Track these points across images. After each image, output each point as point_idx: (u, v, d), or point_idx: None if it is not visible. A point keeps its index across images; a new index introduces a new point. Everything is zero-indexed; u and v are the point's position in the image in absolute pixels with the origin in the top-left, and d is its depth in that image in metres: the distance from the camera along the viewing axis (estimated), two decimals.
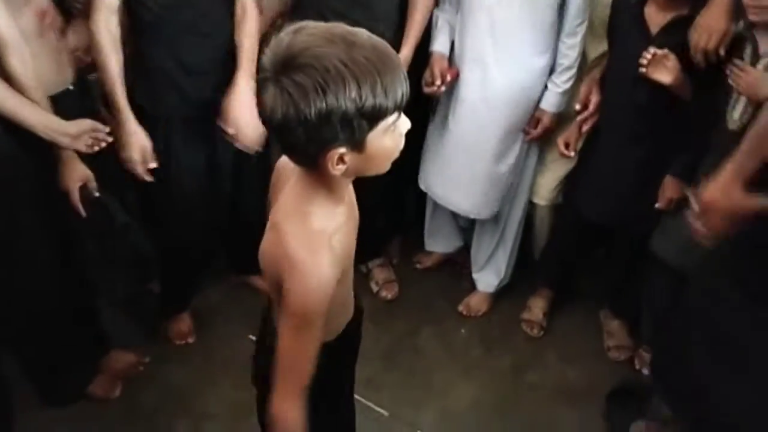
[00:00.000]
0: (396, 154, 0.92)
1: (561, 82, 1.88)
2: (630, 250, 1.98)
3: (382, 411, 1.88)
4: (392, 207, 2.32)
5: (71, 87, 1.64)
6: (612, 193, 1.86)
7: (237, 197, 1.94)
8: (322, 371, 1.09)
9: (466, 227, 2.34)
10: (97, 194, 1.60)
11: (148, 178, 1.67)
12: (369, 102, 0.80)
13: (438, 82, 1.87)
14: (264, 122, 0.85)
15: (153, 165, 1.65)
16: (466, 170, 2.00)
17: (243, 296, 2.21)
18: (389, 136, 0.88)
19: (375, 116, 0.83)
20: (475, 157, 1.97)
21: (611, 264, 2.12)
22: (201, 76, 1.69)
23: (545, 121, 1.93)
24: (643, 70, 1.60)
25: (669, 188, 1.73)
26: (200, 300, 2.20)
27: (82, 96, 1.69)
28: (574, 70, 1.88)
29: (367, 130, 0.84)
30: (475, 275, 2.30)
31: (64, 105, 1.57)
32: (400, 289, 2.33)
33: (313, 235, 0.93)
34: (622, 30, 1.75)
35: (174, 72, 1.66)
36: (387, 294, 2.31)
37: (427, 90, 1.91)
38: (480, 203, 2.05)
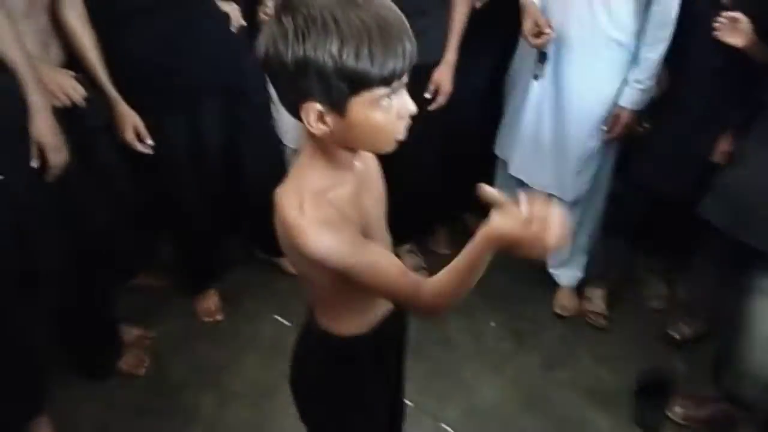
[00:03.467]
0: (392, 135, 0.85)
1: (645, 78, 1.79)
2: (689, 219, 1.89)
3: (406, 402, 1.84)
4: (434, 195, 2.22)
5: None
6: (682, 165, 1.82)
7: (238, 176, 1.96)
8: (357, 370, 1.05)
9: None
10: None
11: (147, 150, 1.72)
12: (349, 64, 0.76)
13: (548, 30, 1.76)
14: (271, 65, 0.81)
15: (149, 141, 1.71)
16: (557, 144, 1.93)
17: (271, 276, 2.20)
18: (380, 111, 0.81)
19: (356, 81, 0.78)
20: (570, 129, 1.90)
21: (665, 233, 2.08)
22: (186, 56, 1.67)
23: (624, 118, 1.84)
24: (717, 33, 1.60)
25: (724, 142, 1.74)
26: (229, 278, 2.21)
27: None
28: (658, 65, 1.78)
29: (346, 93, 0.79)
30: (554, 271, 2.21)
31: None
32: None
33: (303, 192, 0.86)
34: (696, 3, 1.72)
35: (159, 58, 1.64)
36: None
37: (536, 42, 1.80)
38: (567, 183, 1.98)
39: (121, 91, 1.66)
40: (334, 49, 0.75)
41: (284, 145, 2.16)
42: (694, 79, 1.77)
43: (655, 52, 1.76)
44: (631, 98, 1.83)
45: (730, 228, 1.56)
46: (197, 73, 1.66)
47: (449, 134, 2.06)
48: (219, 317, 2.11)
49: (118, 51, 1.61)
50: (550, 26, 1.78)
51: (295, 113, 0.83)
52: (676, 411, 1.83)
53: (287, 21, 0.76)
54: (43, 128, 1.42)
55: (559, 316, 2.19)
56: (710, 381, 1.71)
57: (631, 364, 2.00)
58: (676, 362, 2.01)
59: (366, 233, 0.93)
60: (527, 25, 1.81)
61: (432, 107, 1.94)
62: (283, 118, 2.08)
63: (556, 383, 1.97)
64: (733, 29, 1.58)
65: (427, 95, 1.92)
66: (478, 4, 1.87)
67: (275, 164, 2.09)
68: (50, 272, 1.55)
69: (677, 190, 1.86)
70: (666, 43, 1.75)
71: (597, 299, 2.18)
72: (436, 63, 1.92)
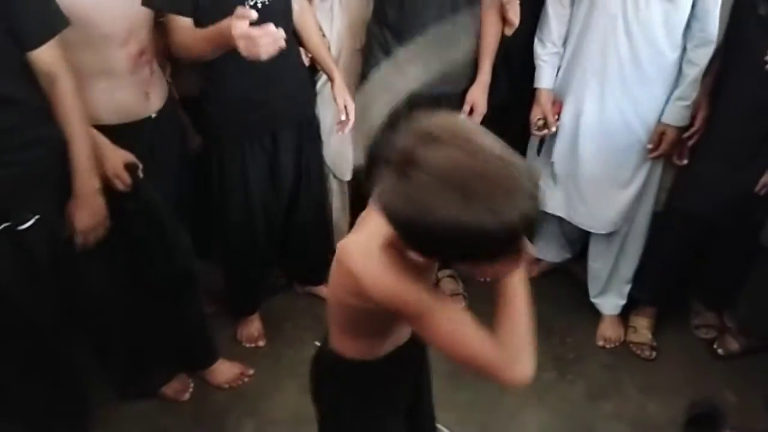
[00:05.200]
0: None
1: (687, 94, 1.79)
2: (738, 247, 1.89)
3: (445, 431, 1.82)
4: None
5: (153, 115, 1.67)
6: (729, 191, 1.78)
7: (294, 209, 2.00)
8: (365, 394, 1.07)
9: (573, 239, 2.27)
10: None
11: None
12: (496, 242, 0.76)
13: (553, 128, 1.86)
14: (389, 216, 0.78)
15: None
16: (592, 191, 1.95)
17: (311, 303, 2.23)
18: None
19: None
20: (603, 183, 1.92)
21: (713, 261, 2.03)
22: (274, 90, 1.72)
23: (669, 136, 1.83)
24: None
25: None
26: (271, 305, 2.24)
27: (161, 123, 1.69)
28: (699, 81, 1.78)
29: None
30: (596, 300, 2.18)
31: (141, 130, 1.63)
32: (469, 304, 2.28)
33: (370, 248, 0.88)
34: (746, 34, 1.69)
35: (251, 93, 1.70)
36: None
37: (539, 134, 1.88)
38: (605, 220, 1.99)
39: (209, 120, 1.78)
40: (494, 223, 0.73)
41: (333, 176, 2.19)
42: (734, 115, 1.74)
43: (694, 69, 1.76)
44: (675, 115, 1.81)
45: None
46: (280, 107, 1.75)
47: None
48: (261, 343, 2.14)
49: (218, 83, 1.70)
50: (556, 122, 1.86)
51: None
52: None
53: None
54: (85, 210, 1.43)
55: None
56: (763, 413, 1.64)
57: (678, 395, 1.93)
58: (726, 393, 1.94)
59: None
60: (534, 114, 1.89)
61: None
62: (331, 153, 2.12)
63: (600, 414, 1.91)
64: None
65: (462, 115, 1.94)
66: (509, 32, 1.89)
67: (320, 199, 2.14)
68: (93, 300, 1.60)
69: (723, 219, 1.83)
70: (707, 59, 1.74)
71: (643, 329, 2.12)
72: (464, 91, 1.96)
